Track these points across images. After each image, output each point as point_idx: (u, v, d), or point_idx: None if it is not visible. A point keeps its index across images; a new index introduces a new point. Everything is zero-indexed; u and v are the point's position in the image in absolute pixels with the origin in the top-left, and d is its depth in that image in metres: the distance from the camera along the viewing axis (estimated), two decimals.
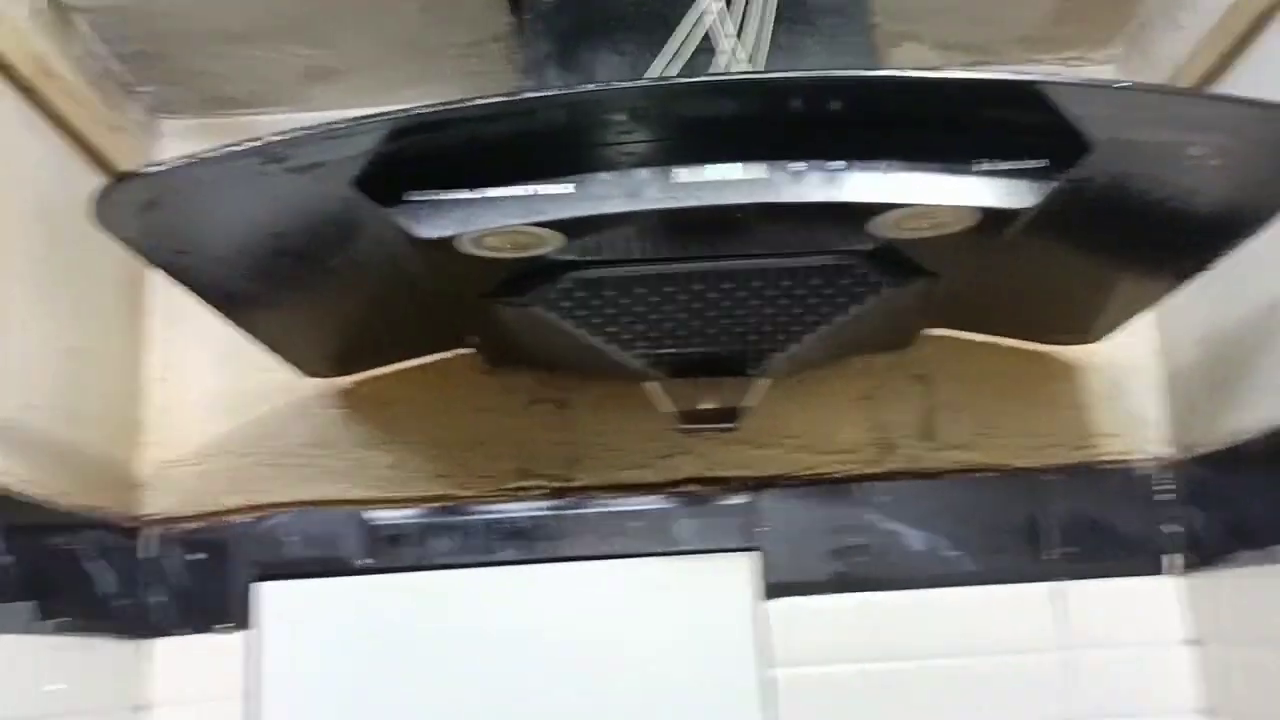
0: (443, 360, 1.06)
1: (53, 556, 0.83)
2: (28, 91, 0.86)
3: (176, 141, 1.11)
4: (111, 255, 0.97)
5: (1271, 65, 0.85)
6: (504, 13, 0.99)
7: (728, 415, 0.88)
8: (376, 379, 1.05)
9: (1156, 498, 1.01)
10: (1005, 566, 0.99)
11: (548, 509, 1.01)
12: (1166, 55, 1.01)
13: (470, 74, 1.10)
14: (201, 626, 0.97)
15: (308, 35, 1.02)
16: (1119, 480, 1.02)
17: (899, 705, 0.96)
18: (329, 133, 0.62)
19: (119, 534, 0.95)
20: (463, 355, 1.06)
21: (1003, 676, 0.97)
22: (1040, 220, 0.74)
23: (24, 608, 0.78)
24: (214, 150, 0.61)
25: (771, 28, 0.86)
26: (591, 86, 0.71)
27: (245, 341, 1.04)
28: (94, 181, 0.95)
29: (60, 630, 0.83)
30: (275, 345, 0.92)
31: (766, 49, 0.86)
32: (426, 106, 0.63)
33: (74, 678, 0.84)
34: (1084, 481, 1.01)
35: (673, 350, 0.86)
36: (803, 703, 0.96)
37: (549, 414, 1.04)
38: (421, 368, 1.05)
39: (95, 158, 0.96)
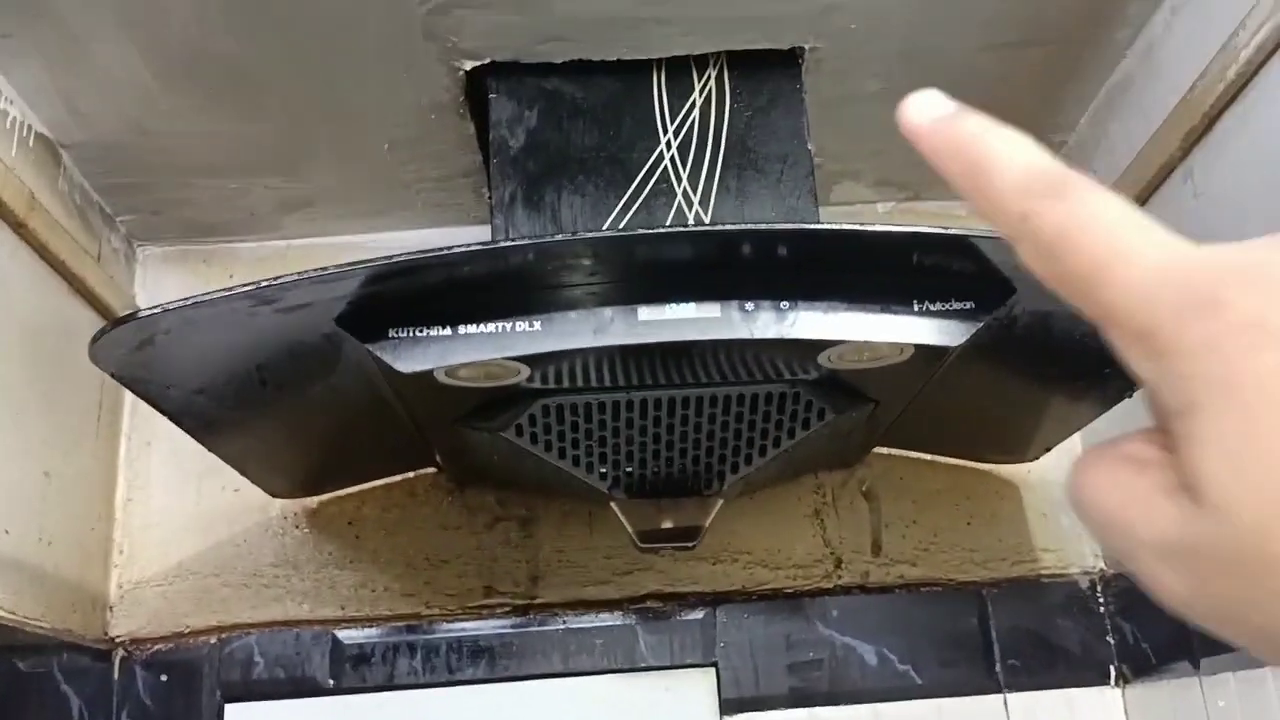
0: (408, 480, 1.09)
1: (27, 680, 0.84)
2: (17, 226, 0.90)
3: (154, 266, 1.15)
4: (86, 379, 1.01)
5: (1177, 205, 0.94)
6: (473, 151, 1.06)
7: (688, 534, 0.92)
8: (343, 499, 1.08)
9: (1096, 610, 1.06)
10: (955, 679, 1.03)
11: (511, 627, 1.03)
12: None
13: (439, 206, 1.16)
14: None
15: (282, 169, 1.07)
16: (1059, 594, 1.06)
17: None
18: (318, 278, 0.67)
19: (90, 656, 0.95)
20: (427, 475, 1.09)
21: None
22: (972, 353, 0.80)
23: None
24: (209, 294, 0.65)
25: (721, 173, 0.94)
26: (560, 237, 0.77)
27: (214, 463, 1.06)
28: (74, 308, 1.00)
29: None
30: (246, 468, 0.95)
31: (716, 192, 0.94)
32: (406, 254, 0.68)
33: None
34: (1026, 595, 1.06)
35: (632, 472, 0.91)
36: None
37: (512, 532, 1.08)
38: (387, 487, 1.08)
39: (76, 285, 1.00)
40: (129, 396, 1.09)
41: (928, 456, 1.12)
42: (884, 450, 1.11)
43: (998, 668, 1.03)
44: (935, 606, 1.05)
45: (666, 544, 0.92)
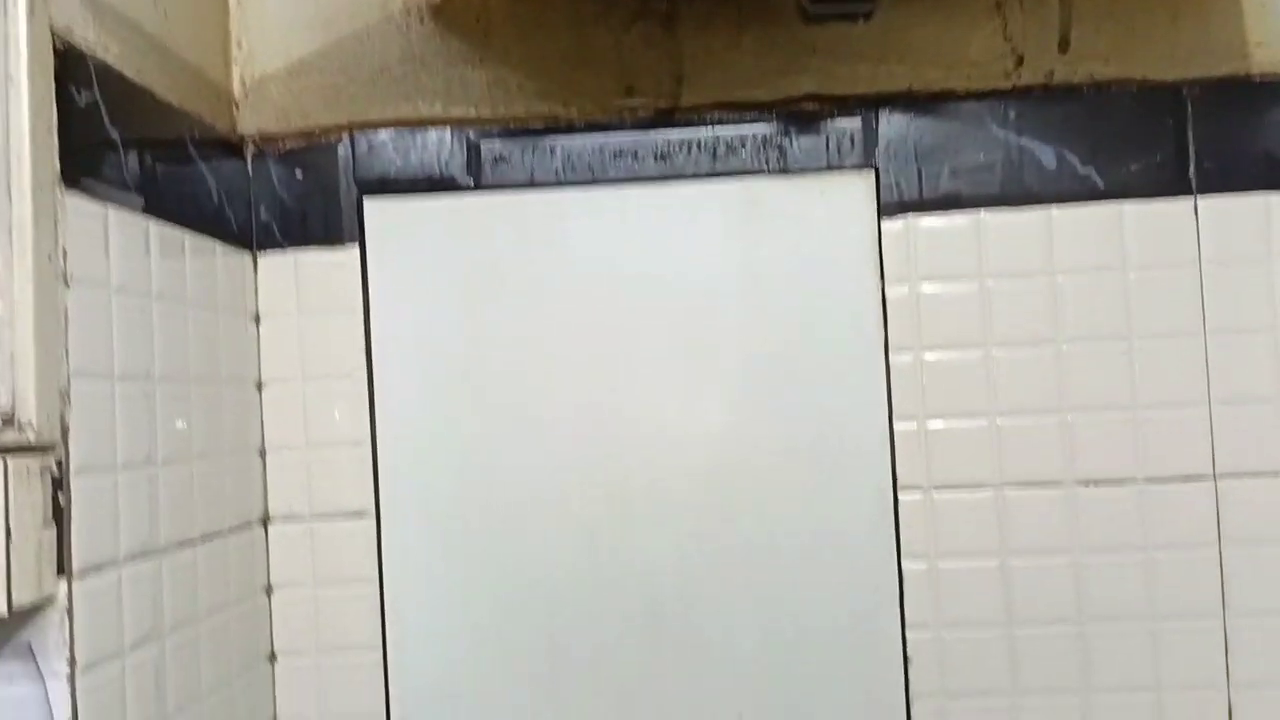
0: None
1: (163, 147, 0.80)
2: None
3: None
4: None
5: None
6: None
7: None
8: None
9: None
10: (1141, 182, 0.94)
11: (656, 128, 0.96)
12: None
13: None
14: (309, 241, 0.95)
15: None
16: (1268, 93, 0.94)
17: (1016, 315, 0.94)
18: None
19: (223, 147, 0.92)
20: None
21: (1135, 294, 0.94)
22: None
23: (139, 197, 0.76)
24: None
25: None
26: None
27: None
28: None
29: (178, 223, 0.81)
30: None
31: None
32: None
33: (191, 274, 0.83)
34: (1231, 95, 0.94)
35: None
36: (919, 319, 0.95)
37: (654, 29, 0.98)
38: None
39: None
40: None
41: None
42: None
43: (1191, 170, 0.94)
44: (1127, 106, 0.95)
45: (839, 8, 0.81)
